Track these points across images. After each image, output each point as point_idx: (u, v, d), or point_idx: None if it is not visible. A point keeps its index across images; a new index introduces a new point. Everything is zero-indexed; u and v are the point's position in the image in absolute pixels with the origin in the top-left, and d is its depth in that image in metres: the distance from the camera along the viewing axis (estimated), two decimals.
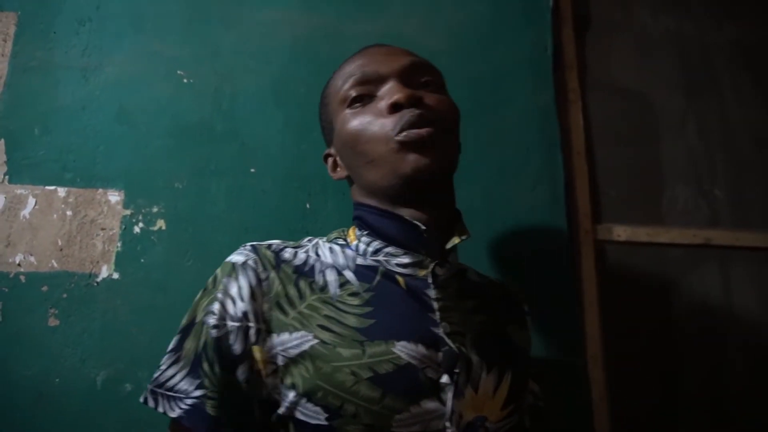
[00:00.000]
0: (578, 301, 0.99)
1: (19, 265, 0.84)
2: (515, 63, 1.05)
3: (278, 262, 0.60)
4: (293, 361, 0.55)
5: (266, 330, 0.56)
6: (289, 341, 0.56)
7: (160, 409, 0.56)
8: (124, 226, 0.88)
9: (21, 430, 0.78)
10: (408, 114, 0.60)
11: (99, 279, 0.85)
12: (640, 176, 1.10)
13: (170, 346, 0.59)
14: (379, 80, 0.64)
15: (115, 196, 0.89)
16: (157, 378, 0.57)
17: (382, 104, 0.62)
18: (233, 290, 0.57)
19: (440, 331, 0.59)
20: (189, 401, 0.54)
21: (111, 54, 0.95)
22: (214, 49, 0.98)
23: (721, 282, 1.06)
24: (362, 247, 0.64)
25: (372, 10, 1.05)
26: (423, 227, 0.61)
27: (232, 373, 0.55)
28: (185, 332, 0.58)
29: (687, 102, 1.17)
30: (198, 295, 0.60)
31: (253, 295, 0.57)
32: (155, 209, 0.89)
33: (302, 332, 0.56)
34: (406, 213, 0.62)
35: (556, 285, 0.96)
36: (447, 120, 0.63)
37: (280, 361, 0.55)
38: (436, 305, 0.60)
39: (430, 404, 0.55)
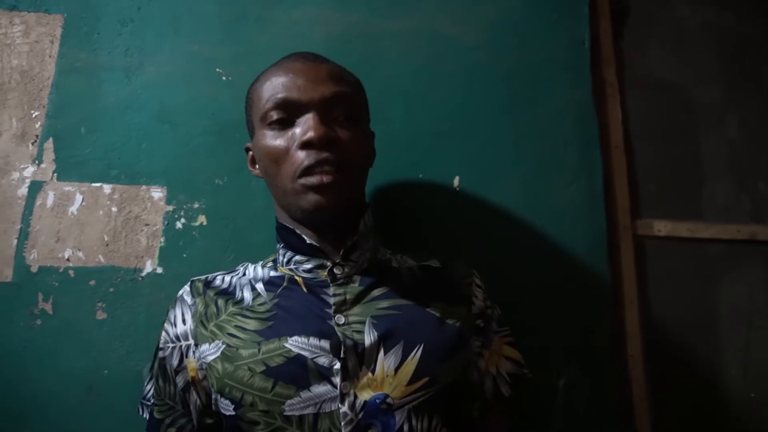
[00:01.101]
0: (617, 298, 0.97)
1: (68, 260, 0.86)
2: (552, 57, 1.04)
3: (205, 289, 0.73)
4: (210, 365, 0.66)
5: (194, 344, 0.69)
6: (208, 350, 0.67)
7: (140, 413, 0.73)
8: (166, 222, 0.90)
9: (73, 421, 0.80)
10: (315, 156, 0.65)
11: (143, 273, 0.87)
12: (679, 171, 1.08)
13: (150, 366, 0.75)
14: (299, 109, 0.67)
15: (157, 193, 0.91)
16: (142, 390, 0.74)
17: (297, 137, 0.66)
18: (172, 317, 0.72)
19: (332, 323, 0.66)
20: (147, 406, 0.72)
21: (152, 54, 0.97)
22: (251, 48, 0.99)
23: (766, 278, 1.03)
24: (280, 258, 0.74)
25: (405, 6, 1.05)
26: (308, 241, 0.71)
27: (174, 384, 0.69)
28: (154, 355, 0.73)
29: (727, 94, 1.14)
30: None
31: (183, 320, 0.71)
32: (196, 205, 0.91)
33: (216, 341, 0.67)
34: (305, 232, 0.71)
35: (594, 282, 0.95)
36: (354, 163, 0.69)
37: (203, 367, 0.67)
38: (332, 301, 0.68)
39: (320, 388, 0.62)
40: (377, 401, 0.62)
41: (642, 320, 0.97)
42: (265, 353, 0.63)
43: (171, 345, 0.70)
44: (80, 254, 0.87)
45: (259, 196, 0.92)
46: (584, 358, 0.91)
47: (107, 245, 0.88)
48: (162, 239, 0.89)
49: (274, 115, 0.68)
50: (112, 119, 0.93)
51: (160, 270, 0.87)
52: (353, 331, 0.65)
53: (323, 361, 0.63)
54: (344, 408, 0.61)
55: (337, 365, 0.63)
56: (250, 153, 0.77)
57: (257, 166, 0.75)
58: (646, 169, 1.07)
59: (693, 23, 1.17)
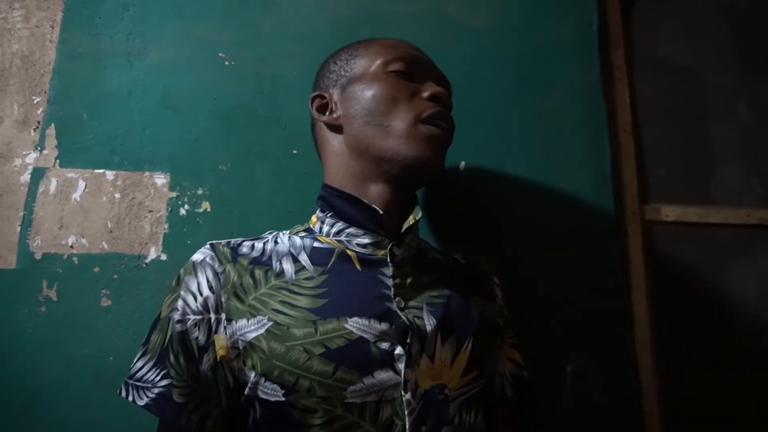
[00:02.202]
0: (625, 283, 0.96)
1: (71, 247, 0.86)
2: (560, 40, 1.02)
3: (234, 256, 0.65)
4: (251, 344, 0.59)
5: (226, 318, 0.61)
6: (247, 327, 0.60)
7: (130, 398, 0.60)
8: (170, 208, 0.89)
9: (80, 408, 0.80)
10: (440, 109, 0.67)
11: (148, 260, 0.87)
12: (689, 155, 1.07)
13: (143, 341, 0.63)
14: (425, 74, 0.70)
15: (161, 179, 0.90)
16: (130, 370, 0.62)
17: (423, 91, 0.68)
18: (193, 286, 0.62)
19: (393, 306, 0.62)
20: (156, 390, 0.59)
21: (154, 39, 0.96)
22: (256, 32, 0.98)
23: None
24: (326, 228, 0.68)
25: None
26: (380, 211, 0.66)
27: (196, 362, 0.60)
28: (153, 327, 0.63)
29: (738, 78, 1.12)
30: (167, 293, 0.65)
31: (210, 288, 0.62)
32: (200, 191, 0.90)
33: (258, 317, 0.60)
34: (374, 192, 0.68)
35: (602, 267, 0.94)
36: (450, 139, 0.71)
37: (240, 345, 0.59)
38: (390, 282, 0.64)
39: (383, 374, 0.58)
40: (436, 391, 0.60)
41: (650, 305, 0.96)
42: (323, 334, 0.58)
43: (193, 317, 0.61)
44: (84, 241, 0.86)
45: (264, 181, 0.91)
46: (592, 344, 0.90)
47: (111, 232, 0.87)
48: (166, 226, 0.88)
49: (398, 65, 0.68)
50: (115, 105, 0.92)
51: (164, 257, 0.87)
52: (414, 316, 0.62)
53: (385, 345, 0.59)
54: (407, 396, 0.58)
55: (399, 350, 0.59)
56: (320, 101, 0.73)
57: (338, 108, 0.70)
58: (654, 153, 1.05)
59: (705, 5, 1.15)
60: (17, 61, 0.92)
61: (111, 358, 0.82)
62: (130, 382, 0.61)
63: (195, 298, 0.62)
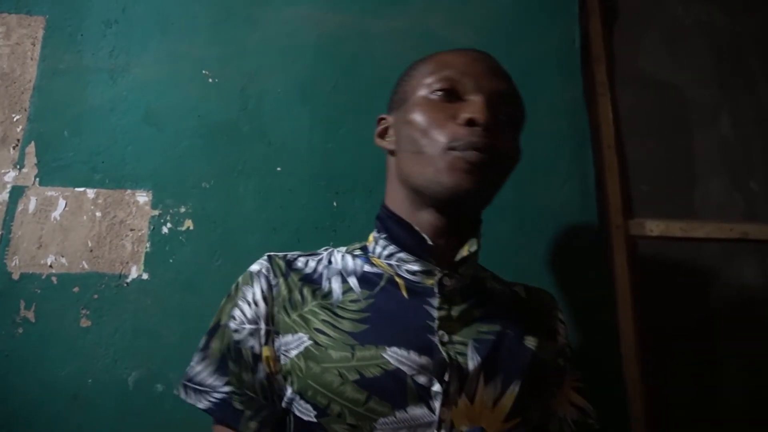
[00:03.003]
0: (611, 298, 0.96)
1: (50, 266, 0.84)
2: (543, 57, 1.03)
3: (288, 270, 0.65)
4: (291, 360, 0.59)
5: (274, 331, 0.61)
6: (290, 342, 0.60)
7: (190, 401, 0.61)
8: (152, 227, 0.88)
9: (57, 429, 0.78)
10: (474, 136, 0.59)
11: (129, 279, 0.85)
12: (672, 170, 1.07)
13: (200, 345, 0.64)
14: (471, 89, 0.63)
15: (143, 197, 0.89)
16: (187, 373, 0.63)
17: (461, 113, 0.61)
18: (249, 296, 0.63)
19: (436, 339, 0.59)
20: (218, 395, 0.60)
21: (138, 55, 0.95)
22: (240, 49, 0.98)
23: (760, 277, 1.02)
24: (378, 249, 0.67)
25: (396, 5, 1.03)
26: (429, 241, 0.62)
27: (253, 372, 0.60)
28: (212, 333, 0.63)
29: (719, 93, 1.13)
30: (223, 300, 0.65)
31: (264, 299, 0.62)
32: (183, 209, 0.89)
33: (299, 334, 0.60)
34: (424, 220, 0.64)
35: (588, 282, 0.94)
36: (505, 161, 0.64)
37: (282, 360, 0.60)
38: (436, 314, 0.61)
39: (417, 410, 0.55)
40: None
41: (635, 320, 0.96)
42: (360, 360, 0.56)
43: (249, 327, 0.61)
44: (63, 260, 0.85)
45: (248, 199, 0.90)
46: (578, 358, 0.90)
47: (91, 251, 0.86)
48: (147, 244, 0.87)
49: (441, 85, 0.63)
50: (97, 122, 0.91)
51: (145, 276, 0.86)
52: (456, 352, 0.59)
53: (422, 380, 0.56)
54: None
55: (437, 387, 0.56)
56: (383, 123, 0.70)
57: (392, 133, 0.68)
58: (638, 168, 1.06)
59: (685, 21, 1.17)
60: None
61: (90, 380, 0.80)
62: (190, 385, 0.61)
63: (250, 308, 0.62)
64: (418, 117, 0.62)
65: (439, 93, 0.63)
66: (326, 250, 0.70)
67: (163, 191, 0.89)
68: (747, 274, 1.03)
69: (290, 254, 0.68)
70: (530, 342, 0.65)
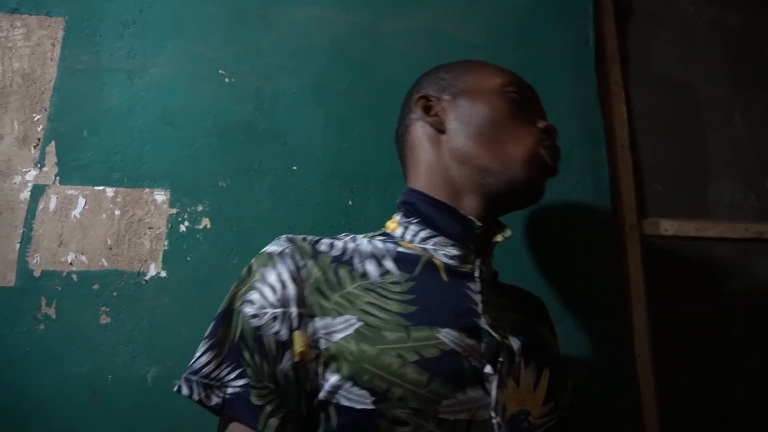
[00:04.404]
0: (625, 297, 0.96)
1: (71, 264, 0.86)
2: (556, 56, 1.03)
3: (315, 252, 0.61)
4: (337, 344, 0.54)
5: (307, 314, 0.56)
6: (333, 325, 0.56)
7: (195, 397, 0.55)
8: (170, 225, 0.89)
9: (77, 426, 0.79)
10: (553, 143, 0.68)
11: (147, 277, 0.86)
12: (686, 169, 1.07)
13: (206, 333, 0.58)
14: (536, 108, 0.71)
15: (161, 196, 0.90)
16: (191, 365, 0.56)
17: (538, 120, 0.68)
18: (271, 278, 0.57)
19: (482, 322, 0.59)
20: (230, 390, 0.54)
21: (154, 56, 0.96)
22: (255, 49, 0.98)
23: None
24: (409, 235, 0.65)
25: (409, 6, 1.04)
26: (479, 224, 0.64)
27: (276, 361, 0.54)
28: (221, 320, 0.58)
29: (733, 92, 1.13)
30: (234, 285, 0.60)
31: (294, 280, 0.57)
32: (200, 208, 0.90)
33: (346, 316, 0.56)
34: (468, 205, 0.65)
35: (601, 281, 0.94)
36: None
37: (322, 345, 0.55)
38: (478, 298, 0.61)
39: (474, 393, 0.55)
40: (521, 417, 0.57)
41: (650, 320, 0.96)
42: (416, 341, 0.54)
43: (271, 311, 0.56)
44: (83, 258, 0.86)
45: (264, 198, 0.91)
46: (592, 359, 0.90)
47: (110, 249, 0.87)
48: (166, 242, 0.88)
49: (515, 89, 0.68)
50: (115, 122, 0.93)
51: (164, 273, 0.87)
52: (502, 336, 0.59)
53: (474, 362, 0.56)
54: (497, 419, 0.55)
55: (489, 369, 0.56)
56: (425, 101, 0.70)
57: (446, 115, 0.68)
58: (652, 168, 1.06)
59: (698, 21, 1.16)
60: (18, 78, 0.93)
61: (109, 377, 0.82)
62: (194, 378, 0.55)
63: (274, 291, 0.57)
64: (500, 109, 0.66)
65: (514, 95, 0.68)
66: (346, 235, 0.68)
67: (180, 190, 0.90)
68: (762, 274, 1.02)
69: (308, 237, 0.64)
70: (544, 333, 0.69)
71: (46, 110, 0.92)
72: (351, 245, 0.64)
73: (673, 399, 0.94)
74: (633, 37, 1.13)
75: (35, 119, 0.91)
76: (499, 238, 0.65)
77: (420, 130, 0.70)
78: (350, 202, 0.92)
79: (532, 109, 0.70)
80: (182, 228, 0.89)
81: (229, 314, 0.58)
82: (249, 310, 0.56)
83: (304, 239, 0.63)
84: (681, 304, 1.00)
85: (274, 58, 0.99)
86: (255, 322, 0.55)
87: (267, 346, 0.55)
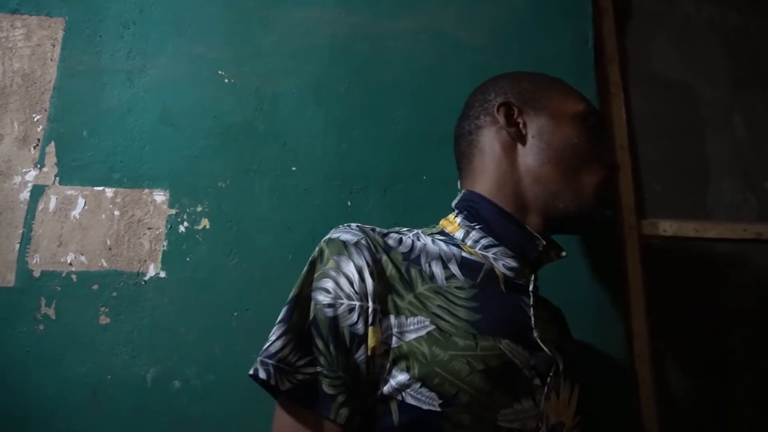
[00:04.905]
0: (624, 298, 0.96)
1: (70, 264, 0.86)
2: (555, 57, 1.03)
3: (387, 246, 0.61)
4: (409, 344, 0.55)
5: (381, 311, 0.56)
6: (407, 325, 0.56)
7: (272, 381, 0.54)
8: (169, 226, 0.89)
9: (76, 426, 0.80)
10: (612, 177, 0.72)
11: (147, 278, 0.86)
12: (685, 170, 1.07)
13: (279, 317, 0.58)
14: (605, 141, 0.76)
15: (160, 196, 0.90)
16: (267, 349, 0.56)
17: (606, 155, 0.71)
18: (347, 268, 0.57)
19: (535, 335, 0.61)
20: (300, 376, 0.54)
21: (154, 57, 0.97)
22: (255, 49, 0.99)
23: None
24: (470, 240, 0.66)
25: (409, 6, 1.04)
26: (543, 242, 0.66)
27: (349, 353, 0.54)
28: (294, 305, 0.57)
29: (733, 93, 1.13)
30: (305, 268, 0.60)
31: (372, 275, 0.57)
32: (199, 208, 0.90)
33: (420, 317, 0.56)
34: (532, 222, 0.67)
35: (601, 282, 0.94)
36: None
37: (393, 342, 0.55)
38: (531, 312, 0.63)
39: (526, 403, 0.57)
40: (558, 427, 0.59)
41: (648, 320, 0.96)
42: (483, 350, 0.56)
43: (348, 303, 0.55)
44: (83, 258, 0.86)
45: (263, 198, 0.91)
46: (591, 359, 0.90)
47: (110, 249, 0.87)
48: (165, 243, 0.88)
49: (594, 122, 0.70)
50: (115, 122, 0.93)
51: (163, 274, 0.87)
52: (549, 350, 0.62)
53: (527, 374, 0.58)
54: (543, 429, 0.57)
55: (538, 381, 0.58)
56: (508, 109, 0.69)
57: (528, 129, 0.68)
58: (651, 168, 1.06)
59: (698, 21, 1.16)
60: (18, 79, 0.93)
61: (108, 377, 0.82)
62: (271, 362, 0.54)
63: (351, 283, 0.56)
64: (581, 140, 0.68)
65: (593, 125, 0.70)
66: (408, 230, 0.67)
67: (180, 190, 0.90)
68: (761, 275, 1.02)
69: (377, 228, 0.63)
70: (573, 346, 0.73)
71: (46, 111, 0.92)
72: (418, 243, 0.64)
73: (672, 399, 0.94)
74: (632, 38, 1.13)
75: (35, 119, 0.91)
76: (554, 257, 0.68)
77: (494, 136, 0.69)
78: (349, 203, 0.92)
79: (605, 141, 0.76)
80: (182, 228, 0.89)
81: (302, 300, 0.57)
82: (323, 298, 0.56)
83: (374, 230, 0.63)
84: (680, 305, 1.00)
85: (274, 59, 0.99)
86: (330, 312, 0.55)
87: (342, 337, 0.55)
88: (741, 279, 1.02)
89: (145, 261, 0.87)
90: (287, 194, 0.92)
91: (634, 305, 0.96)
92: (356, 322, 0.55)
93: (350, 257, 0.58)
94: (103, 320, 0.84)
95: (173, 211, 0.90)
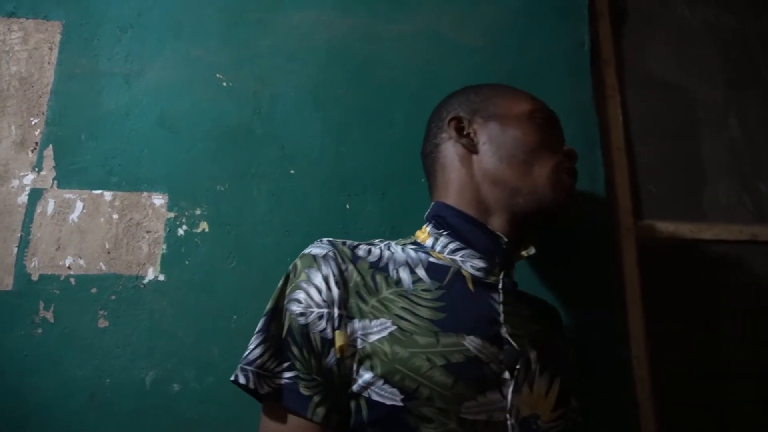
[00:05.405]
0: (621, 299, 0.97)
1: (69, 267, 0.86)
2: (552, 59, 1.04)
3: (354, 257, 0.66)
4: (372, 345, 0.60)
5: (347, 316, 0.61)
6: (370, 327, 0.61)
7: (251, 385, 0.59)
8: (168, 229, 0.89)
9: (75, 429, 0.80)
10: (572, 166, 0.74)
11: (145, 281, 0.87)
12: (681, 172, 1.08)
13: (257, 328, 0.63)
14: (558, 133, 0.77)
15: (159, 199, 0.90)
16: (246, 357, 0.61)
17: (561, 146, 0.75)
18: (316, 279, 0.63)
19: (503, 331, 0.64)
20: (280, 381, 0.60)
21: (152, 60, 0.97)
22: (252, 52, 0.99)
23: None
24: (439, 246, 0.70)
25: (406, 9, 1.04)
26: (505, 239, 0.69)
27: (322, 356, 0.60)
28: (271, 316, 0.63)
29: (728, 94, 1.14)
30: (281, 282, 0.65)
31: (337, 284, 0.62)
32: (198, 212, 0.90)
33: (382, 319, 0.61)
34: (496, 222, 0.71)
35: (597, 283, 0.95)
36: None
37: (359, 344, 0.60)
38: (500, 308, 0.66)
39: (492, 396, 0.60)
40: (531, 420, 0.61)
41: (645, 322, 0.97)
42: (444, 346, 0.60)
43: (317, 310, 0.61)
44: (81, 262, 0.86)
45: (262, 202, 0.92)
46: (588, 361, 0.91)
47: (108, 253, 0.87)
48: (164, 246, 0.88)
49: (543, 115, 0.75)
50: (113, 126, 0.93)
51: (162, 277, 0.87)
52: (520, 344, 0.64)
53: (494, 368, 0.61)
54: (511, 420, 0.60)
55: (507, 375, 0.61)
56: (458, 122, 0.75)
57: (477, 137, 0.74)
58: (647, 170, 1.07)
59: (693, 23, 1.17)
60: (15, 82, 0.93)
61: (107, 380, 0.82)
62: (250, 369, 0.60)
63: (319, 292, 0.62)
64: (528, 134, 0.72)
65: (541, 121, 0.74)
66: (381, 241, 0.73)
67: (178, 194, 0.91)
68: (757, 276, 1.03)
69: (348, 241, 0.69)
70: (559, 343, 0.74)
71: (43, 114, 0.92)
72: (387, 252, 0.69)
73: (669, 400, 0.95)
74: (628, 40, 1.13)
75: (33, 123, 0.92)
76: (524, 254, 0.71)
77: (452, 150, 0.75)
78: (348, 206, 0.93)
79: (556, 134, 0.76)
80: (180, 232, 0.89)
81: (278, 311, 0.63)
82: (296, 308, 0.62)
83: (344, 243, 0.68)
84: (677, 306, 1.00)
85: (271, 62, 0.99)
86: (302, 320, 0.61)
87: (314, 343, 0.60)
88: (737, 280, 1.03)
89: (143, 264, 0.87)
90: (286, 197, 0.92)
91: (630, 306, 0.97)
92: (325, 328, 0.60)
93: (319, 269, 0.63)
94: (102, 323, 0.84)
95: (172, 215, 0.90)
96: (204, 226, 0.90)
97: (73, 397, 0.81)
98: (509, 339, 0.64)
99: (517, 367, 0.62)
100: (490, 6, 1.06)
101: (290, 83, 0.98)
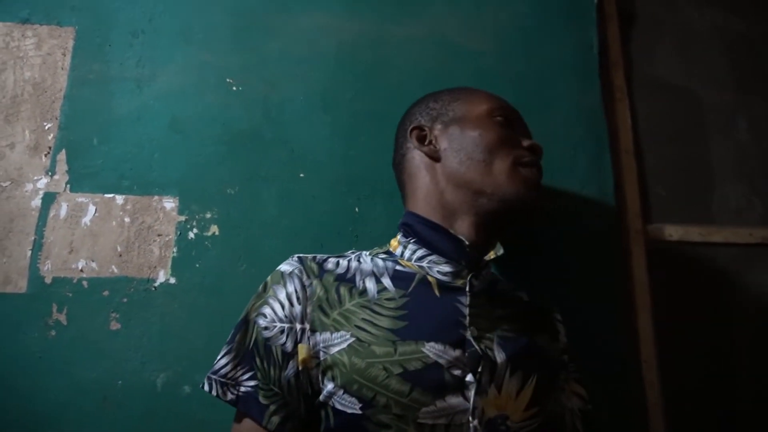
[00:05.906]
0: (630, 303, 0.97)
1: (81, 270, 0.87)
2: (560, 62, 1.04)
3: (321, 271, 0.69)
4: (333, 357, 0.62)
5: (310, 329, 0.64)
6: (330, 339, 0.63)
7: (214, 393, 0.64)
8: (179, 232, 0.90)
9: (87, 431, 0.80)
10: (534, 158, 0.74)
11: (157, 284, 0.87)
12: (690, 174, 1.08)
13: (228, 339, 0.67)
14: (521, 129, 0.78)
15: (170, 203, 0.91)
16: (213, 366, 0.66)
17: (523, 141, 0.75)
18: (281, 295, 0.66)
19: (467, 334, 0.65)
20: (242, 389, 0.63)
21: (163, 65, 0.98)
22: (262, 57, 1.00)
23: None
24: (407, 253, 0.72)
25: (414, 13, 1.05)
26: (467, 243, 0.70)
27: (282, 368, 0.63)
28: (239, 329, 0.67)
29: (736, 97, 1.14)
30: (253, 297, 0.69)
31: (298, 299, 0.66)
32: (209, 215, 0.91)
33: (341, 332, 0.64)
34: (461, 225, 0.72)
35: (607, 287, 0.95)
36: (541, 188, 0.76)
37: (321, 356, 0.63)
38: (466, 311, 0.67)
39: (454, 400, 0.61)
40: (499, 421, 0.62)
41: (655, 325, 0.96)
42: (402, 355, 0.61)
43: (280, 325, 0.64)
44: (94, 265, 0.87)
45: (271, 205, 0.92)
46: (598, 364, 0.90)
47: (120, 256, 0.88)
48: (175, 249, 0.89)
49: (502, 113, 0.75)
50: (125, 130, 0.94)
51: (173, 280, 0.88)
52: (486, 346, 0.65)
53: (457, 372, 0.62)
54: (474, 422, 0.60)
55: (470, 378, 0.62)
56: (419, 132, 0.77)
57: (438, 143, 0.75)
58: (656, 173, 1.07)
59: (700, 26, 1.17)
60: (29, 87, 0.94)
61: (120, 382, 0.82)
62: (214, 377, 0.64)
63: (282, 307, 0.65)
64: (487, 133, 0.72)
65: (500, 119, 0.75)
66: (353, 252, 0.75)
67: (189, 197, 0.91)
68: (766, 279, 1.03)
69: (318, 256, 0.72)
70: (541, 340, 0.73)
71: (56, 119, 0.93)
72: (354, 264, 0.71)
73: (678, 404, 0.94)
74: (636, 43, 1.13)
75: (46, 128, 0.93)
76: (491, 255, 0.70)
77: (417, 159, 0.76)
78: (357, 209, 0.93)
79: (517, 130, 0.76)
80: (191, 235, 0.90)
81: (246, 324, 0.67)
82: (262, 322, 0.65)
83: (314, 258, 0.71)
84: (686, 309, 1.00)
85: (281, 66, 1.00)
86: (266, 333, 0.65)
87: (274, 355, 0.64)
88: (747, 283, 1.02)
89: (155, 267, 0.88)
90: (295, 201, 0.93)
91: (640, 310, 0.97)
92: (285, 342, 0.64)
93: (284, 286, 0.67)
94: (114, 326, 0.85)
95: (182, 218, 0.91)
96: (214, 229, 0.90)
97: (85, 399, 0.82)
98: (472, 341, 0.64)
99: (479, 369, 0.62)
100: (498, 9, 1.07)
101: (299, 87, 0.99)
